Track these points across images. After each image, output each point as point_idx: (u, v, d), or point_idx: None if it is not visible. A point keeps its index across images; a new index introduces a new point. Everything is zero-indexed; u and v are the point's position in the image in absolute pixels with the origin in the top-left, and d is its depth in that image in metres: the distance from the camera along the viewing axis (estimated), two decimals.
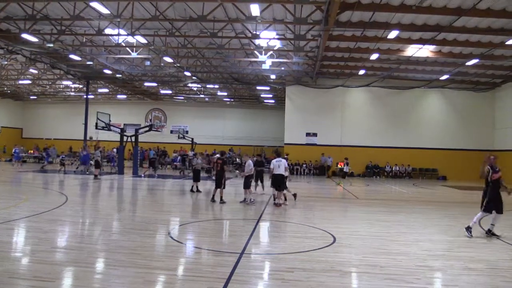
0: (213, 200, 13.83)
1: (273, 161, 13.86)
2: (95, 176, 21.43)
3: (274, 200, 13.84)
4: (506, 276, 6.35)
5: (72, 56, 25.37)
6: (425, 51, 22.60)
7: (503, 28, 18.49)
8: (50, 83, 37.14)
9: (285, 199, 14.04)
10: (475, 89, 30.87)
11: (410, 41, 21.33)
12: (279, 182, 13.50)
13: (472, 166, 30.11)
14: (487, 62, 24.34)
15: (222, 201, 13.60)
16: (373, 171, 31.33)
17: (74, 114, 41.41)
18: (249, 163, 14.32)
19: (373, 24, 18.65)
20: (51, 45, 21.95)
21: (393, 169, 31.45)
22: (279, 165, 13.61)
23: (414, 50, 22.60)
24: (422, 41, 20.95)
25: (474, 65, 24.27)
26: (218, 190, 13.77)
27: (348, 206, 14.92)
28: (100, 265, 6.53)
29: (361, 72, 28.00)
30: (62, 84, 38.24)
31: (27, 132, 46.21)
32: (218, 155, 15.23)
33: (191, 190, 16.77)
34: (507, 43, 19.60)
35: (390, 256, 7.36)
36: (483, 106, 31.03)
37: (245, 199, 13.93)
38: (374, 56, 23.22)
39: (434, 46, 22.04)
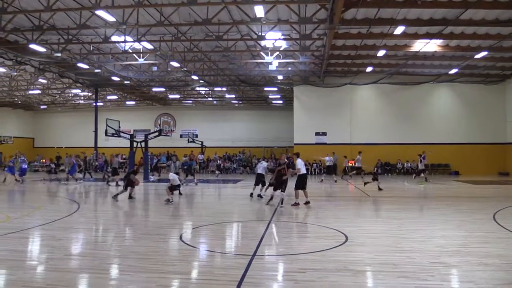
0: (115, 197, 15.13)
1: (299, 160, 13.83)
2: (117, 183, 21.11)
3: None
4: None
5: (80, 65, 25.62)
6: (432, 45, 22.40)
7: (511, 20, 18.26)
8: (59, 92, 37.49)
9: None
10: (485, 82, 30.51)
11: (417, 36, 21.15)
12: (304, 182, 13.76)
13: (485, 160, 30.03)
14: (496, 54, 24.06)
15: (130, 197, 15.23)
16: (385, 169, 31.09)
17: (84, 122, 41.80)
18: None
19: (378, 20, 18.54)
20: (59, 54, 22.18)
21: (405, 165, 31.21)
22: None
23: (421, 45, 22.41)
24: (429, 36, 20.76)
25: (483, 58, 23.97)
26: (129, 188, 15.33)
27: (359, 205, 14.82)
28: (113, 271, 6.56)
29: (369, 69, 27.84)
30: (71, 92, 38.58)
31: (38, 141, 46.71)
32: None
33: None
34: None
35: (404, 254, 7.29)
36: (493, 99, 30.65)
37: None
38: (381, 53, 23.08)
39: (441, 40, 21.83)
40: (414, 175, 24.18)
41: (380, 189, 18.49)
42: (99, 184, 22.95)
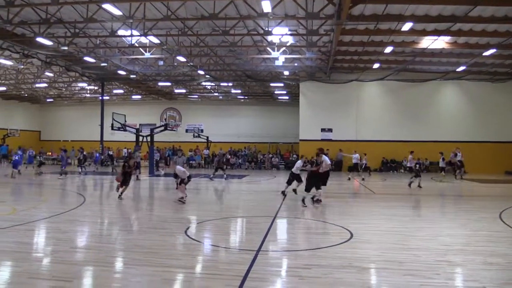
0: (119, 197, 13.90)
1: (325, 157, 13.47)
2: (137, 177, 21.31)
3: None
4: None
5: (87, 58, 25.65)
6: (440, 42, 22.22)
7: None
8: (66, 85, 37.63)
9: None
10: (493, 80, 30.22)
11: (425, 33, 20.98)
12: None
13: (491, 158, 29.81)
14: (505, 52, 23.80)
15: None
16: (390, 166, 31.00)
17: (91, 115, 41.97)
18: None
19: (386, 16, 18.39)
20: (66, 48, 22.22)
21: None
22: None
23: (429, 42, 22.24)
24: (437, 33, 20.59)
25: (491, 56, 23.76)
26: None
27: (365, 202, 14.78)
28: (118, 264, 6.59)
29: (376, 65, 27.68)
30: (78, 86, 38.70)
31: (45, 134, 46.94)
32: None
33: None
34: None
35: (409, 252, 7.26)
36: (501, 97, 30.35)
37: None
38: (388, 49, 22.91)
39: (449, 37, 21.64)
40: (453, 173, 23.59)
41: (420, 186, 18.31)
42: (104, 177, 23.04)
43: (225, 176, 22.87)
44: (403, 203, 13.98)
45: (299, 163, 15.47)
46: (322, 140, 31.60)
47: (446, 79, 30.42)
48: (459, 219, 10.88)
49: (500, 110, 30.33)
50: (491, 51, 22.39)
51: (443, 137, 30.34)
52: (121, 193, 13.85)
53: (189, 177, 13.90)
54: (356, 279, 5.82)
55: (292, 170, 15.52)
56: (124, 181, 14.10)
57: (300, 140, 32.07)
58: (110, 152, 29.82)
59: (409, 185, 18.74)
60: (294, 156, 34.50)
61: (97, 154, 30.22)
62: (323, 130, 31.90)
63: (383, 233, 8.99)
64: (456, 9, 17.65)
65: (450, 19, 18.44)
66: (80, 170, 24.38)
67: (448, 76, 29.88)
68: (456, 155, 23.58)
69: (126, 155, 37.04)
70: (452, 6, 17.23)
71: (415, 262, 6.57)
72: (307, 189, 12.76)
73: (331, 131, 31.83)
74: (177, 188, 13.98)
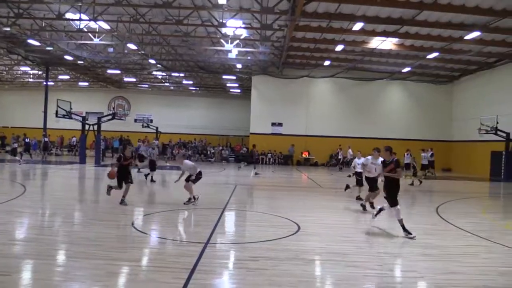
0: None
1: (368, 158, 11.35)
2: (138, 169, 19.86)
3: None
4: (460, 261, 6.63)
5: (31, 41, 24.33)
6: (388, 43, 23.12)
7: (463, 23, 19.13)
8: (7, 68, 35.65)
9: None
10: (435, 82, 31.87)
11: (374, 34, 21.73)
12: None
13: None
14: (447, 56, 25.12)
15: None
16: (338, 161, 31.86)
17: (34, 101, 39.84)
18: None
19: (338, 15, 18.88)
20: (8, 29, 21.03)
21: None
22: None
23: (378, 43, 23.06)
24: (385, 34, 21.39)
25: (434, 59, 25.03)
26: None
27: (312, 195, 15.11)
28: (60, 257, 6.34)
29: (327, 63, 28.32)
30: (20, 70, 36.76)
31: None
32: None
33: (147, 180, 16.85)
34: (465, 37, 20.28)
35: (353, 244, 7.53)
36: (442, 99, 32.12)
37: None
38: (339, 48, 23.52)
39: (397, 39, 22.57)
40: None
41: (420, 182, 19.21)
42: (46, 166, 22.05)
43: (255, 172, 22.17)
44: (348, 197, 14.43)
45: (357, 161, 12.98)
46: (272, 134, 32.03)
47: (392, 79, 31.71)
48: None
49: (441, 111, 32.05)
50: (434, 54, 23.57)
51: (388, 135, 31.52)
52: (123, 196, 10.97)
53: (199, 174, 11.60)
54: (302, 271, 5.97)
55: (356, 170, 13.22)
56: (122, 178, 10.97)
57: (251, 133, 32.28)
58: (46, 139, 28.53)
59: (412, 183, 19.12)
60: (244, 149, 34.66)
61: (34, 142, 28.84)
62: (273, 124, 32.29)
63: (329, 225, 9.26)
64: (404, 12, 18.40)
65: (398, 21, 19.22)
66: (19, 158, 23.17)
67: (394, 76, 31.18)
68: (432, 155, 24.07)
69: (73, 143, 35.67)
70: (401, 9, 17.95)
71: (358, 254, 6.84)
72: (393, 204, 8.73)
73: (281, 126, 32.27)
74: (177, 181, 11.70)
